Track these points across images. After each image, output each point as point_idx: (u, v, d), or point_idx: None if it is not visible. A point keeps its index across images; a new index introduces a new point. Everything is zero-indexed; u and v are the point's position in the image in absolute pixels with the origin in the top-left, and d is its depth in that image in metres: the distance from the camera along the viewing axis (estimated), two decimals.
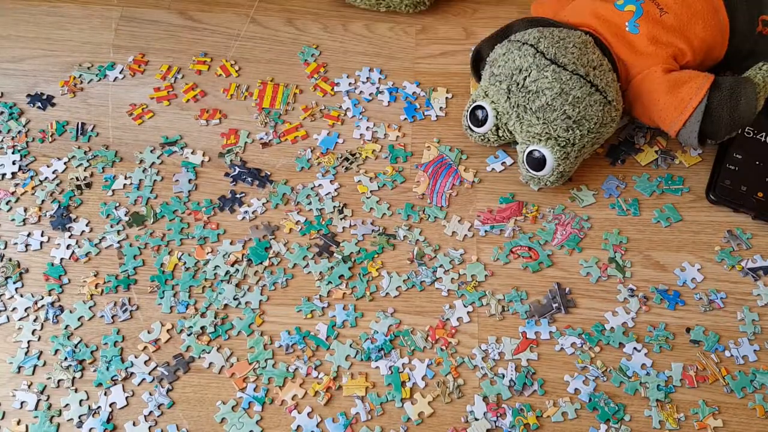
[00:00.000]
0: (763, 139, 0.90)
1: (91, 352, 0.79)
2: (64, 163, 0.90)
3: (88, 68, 0.97)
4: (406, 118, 0.94)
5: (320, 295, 0.82)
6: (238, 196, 0.88)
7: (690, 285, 0.83)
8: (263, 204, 0.88)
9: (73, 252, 0.84)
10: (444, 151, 0.91)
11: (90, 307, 0.81)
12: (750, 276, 0.83)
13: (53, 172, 0.90)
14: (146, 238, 0.85)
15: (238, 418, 0.76)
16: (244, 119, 0.94)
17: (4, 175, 0.89)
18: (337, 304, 0.82)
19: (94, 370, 0.78)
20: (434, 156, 0.91)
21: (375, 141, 0.92)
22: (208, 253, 0.84)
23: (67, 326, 0.80)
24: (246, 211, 0.87)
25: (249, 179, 0.89)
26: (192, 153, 0.91)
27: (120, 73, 0.97)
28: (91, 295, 0.82)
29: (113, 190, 0.89)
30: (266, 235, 0.85)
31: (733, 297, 0.82)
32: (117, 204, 0.87)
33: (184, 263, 0.84)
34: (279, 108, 0.95)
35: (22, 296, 0.82)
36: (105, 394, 0.77)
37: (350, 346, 0.79)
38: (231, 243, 0.85)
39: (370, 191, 0.88)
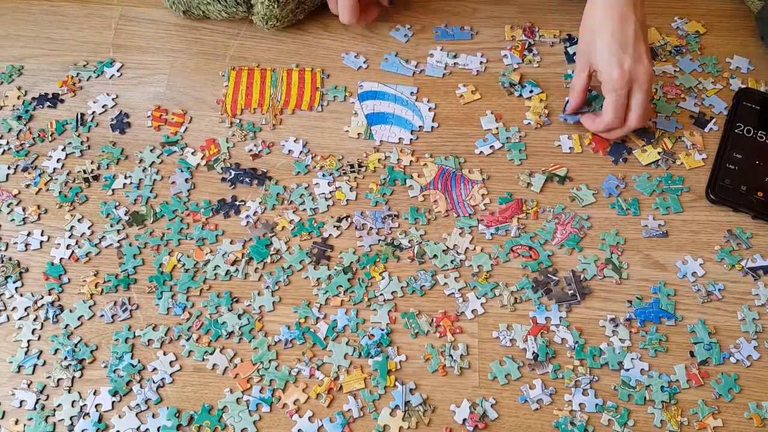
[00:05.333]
0: (762, 138, 0.90)
1: (91, 352, 0.79)
2: (62, 150, 0.91)
3: (84, 66, 0.98)
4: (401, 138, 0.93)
5: (319, 303, 0.82)
6: (237, 203, 0.88)
7: (690, 278, 0.83)
8: (259, 203, 0.88)
9: (72, 252, 0.84)
10: (441, 162, 0.91)
11: (90, 307, 0.81)
12: (750, 275, 0.83)
13: (57, 161, 0.90)
14: (146, 237, 0.85)
15: (238, 411, 0.76)
16: (213, 127, 0.94)
17: (8, 175, 0.90)
18: (340, 309, 0.81)
19: (105, 366, 0.78)
20: (435, 171, 0.90)
21: (377, 150, 0.92)
22: (207, 254, 0.84)
23: (66, 325, 0.80)
24: (248, 215, 0.87)
25: (247, 180, 0.89)
26: (192, 154, 0.91)
27: (118, 71, 0.97)
28: (91, 295, 0.82)
29: (113, 190, 0.89)
30: (266, 233, 0.85)
31: (733, 297, 0.82)
32: (117, 203, 0.87)
33: (183, 264, 0.84)
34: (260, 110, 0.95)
35: (21, 296, 0.82)
36: (94, 393, 0.77)
37: (347, 344, 0.79)
38: (231, 242, 0.85)
39: (347, 200, 0.88)
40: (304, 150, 0.91)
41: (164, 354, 0.79)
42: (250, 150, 0.91)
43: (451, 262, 0.84)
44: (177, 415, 0.75)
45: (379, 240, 0.85)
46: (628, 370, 0.78)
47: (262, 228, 0.86)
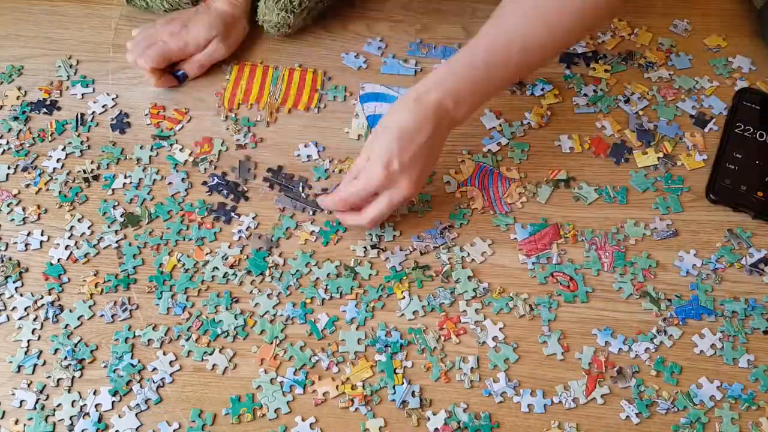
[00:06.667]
0: (762, 138, 0.90)
1: (91, 352, 0.79)
2: (62, 150, 0.91)
3: (71, 66, 0.98)
4: None
5: (322, 299, 0.82)
6: (231, 214, 0.87)
7: (693, 272, 0.83)
8: (253, 218, 0.86)
9: (71, 253, 0.84)
10: (479, 159, 0.90)
11: (90, 307, 0.81)
12: (755, 273, 0.83)
13: (57, 161, 0.90)
14: (145, 237, 0.85)
15: (272, 392, 0.76)
16: (213, 127, 0.94)
17: (8, 175, 0.90)
18: (351, 301, 0.81)
19: (105, 366, 0.78)
20: (473, 168, 0.90)
21: None
22: (207, 254, 0.84)
23: (66, 325, 0.80)
24: (240, 230, 0.85)
25: (225, 192, 0.88)
26: (180, 150, 0.91)
27: (87, 88, 0.96)
28: (91, 295, 0.82)
29: (113, 189, 0.89)
30: (262, 247, 0.84)
31: (736, 294, 0.82)
32: (116, 203, 0.87)
33: (183, 264, 0.84)
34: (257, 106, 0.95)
35: (21, 296, 0.82)
36: (94, 393, 0.76)
37: (356, 328, 0.80)
38: (229, 246, 0.85)
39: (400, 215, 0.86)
40: (319, 149, 0.91)
41: (164, 354, 0.79)
42: (237, 140, 0.91)
43: (474, 290, 0.82)
44: (200, 415, 0.76)
45: (406, 257, 0.84)
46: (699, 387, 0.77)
47: (263, 242, 0.85)
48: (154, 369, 0.78)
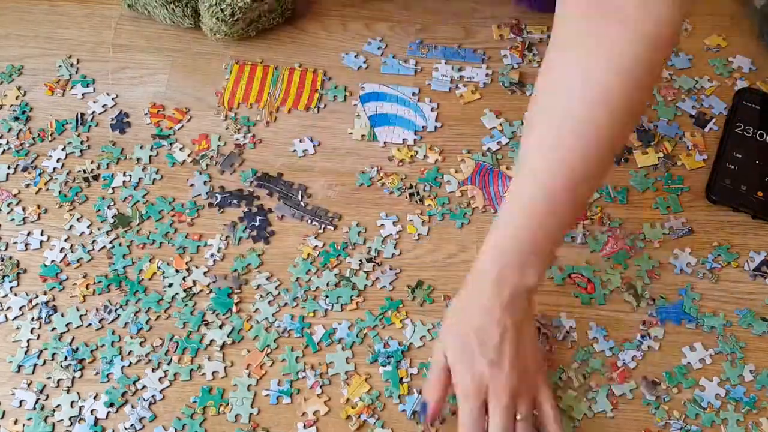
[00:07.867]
0: (763, 138, 0.90)
1: (92, 352, 0.78)
2: (62, 150, 0.90)
3: (71, 65, 0.97)
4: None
5: (326, 295, 0.81)
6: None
7: (687, 270, 0.83)
8: (221, 238, 0.85)
9: (65, 256, 0.84)
10: (479, 158, 0.90)
11: (80, 308, 0.81)
12: (759, 278, 0.83)
13: (57, 160, 0.90)
14: (132, 235, 0.85)
15: (242, 397, 0.76)
16: (213, 126, 0.93)
17: (8, 174, 0.89)
18: (345, 321, 0.80)
19: (96, 373, 0.77)
20: (473, 167, 0.90)
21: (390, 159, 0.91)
22: (187, 263, 0.83)
23: (54, 328, 0.80)
24: (212, 255, 0.84)
25: (235, 201, 0.87)
26: (180, 149, 0.91)
27: (87, 87, 0.96)
28: (84, 297, 0.81)
29: (113, 188, 0.88)
30: (232, 287, 0.82)
31: (740, 299, 0.82)
32: (112, 202, 0.87)
33: (163, 272, 0.83)
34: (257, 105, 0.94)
35: (16, 295, 0.81)
36: (95, 398, 0.76)
37: (342, 349, 0.79)
38: (205, 274, 0.83)
39: (418, 234, 0.85)
40: (315, 143, 0.91)
41: (152, 371, 0.77)
42: (236, 139, 0.91)
43: None
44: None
45: (396, 275, 0.83)
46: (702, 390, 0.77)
47: (231, 281, 0.82)
48: (144, 387, 0.77)
